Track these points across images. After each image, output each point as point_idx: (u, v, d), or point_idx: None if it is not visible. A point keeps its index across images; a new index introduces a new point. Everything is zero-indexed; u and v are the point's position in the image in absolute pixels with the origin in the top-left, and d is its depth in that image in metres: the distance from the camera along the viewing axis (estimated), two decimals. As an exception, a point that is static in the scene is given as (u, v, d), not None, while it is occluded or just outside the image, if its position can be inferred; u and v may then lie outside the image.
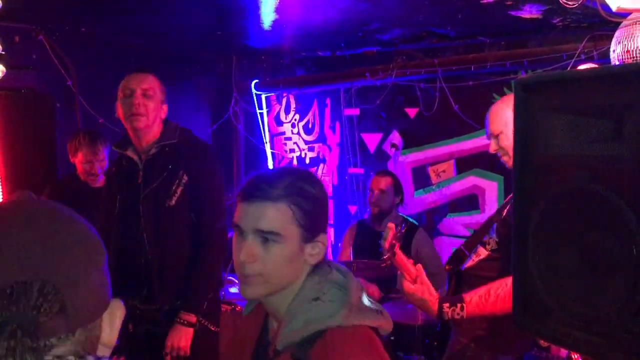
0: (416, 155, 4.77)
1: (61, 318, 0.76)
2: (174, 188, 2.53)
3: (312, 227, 1.24)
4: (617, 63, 2.09)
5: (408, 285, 1.97)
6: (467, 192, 4.51)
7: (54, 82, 4.16)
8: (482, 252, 2.28)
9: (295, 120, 5.57)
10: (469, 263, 2.32)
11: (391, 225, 1.98)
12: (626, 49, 2.01)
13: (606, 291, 0.98)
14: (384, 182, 3.94)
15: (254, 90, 5.52)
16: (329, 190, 5.21)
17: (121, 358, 2.39)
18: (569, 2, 2.47)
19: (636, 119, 0.93)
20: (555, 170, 1.08)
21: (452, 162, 4.57)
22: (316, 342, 1.17)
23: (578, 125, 1.04)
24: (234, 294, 4.01)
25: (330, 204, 4.86)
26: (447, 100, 4.23)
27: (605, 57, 3.14)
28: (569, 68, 3.47)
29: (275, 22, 4.03)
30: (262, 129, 5.70)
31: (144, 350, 2.55)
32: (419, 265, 2.02)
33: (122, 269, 2.45)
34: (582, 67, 2.83)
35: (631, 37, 2.02)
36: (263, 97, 5.63)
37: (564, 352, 2.37)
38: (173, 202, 2.53)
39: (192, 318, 2.49)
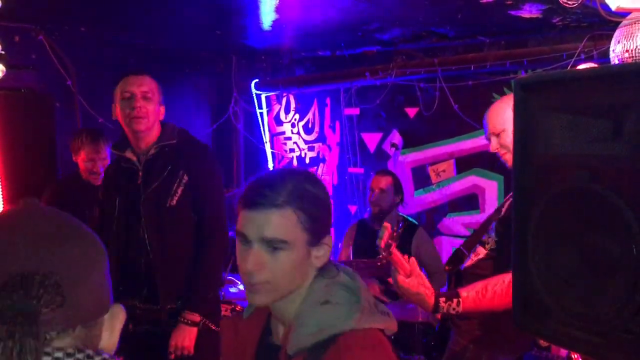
0: (416, 155, 4.77)
1: (61, 312, 0.78)
2: (174, 188, 2.54)
3: (317, 230, 1.23)
4: (616, 63, 2.09)
5: (402, 279, 1.96)
6: (467, 191, 4.51)
7: (53, 81, 4.17)
8: (481, 252, 2.28)
9: (295, 120, 5.57)
10: (468, 262, 2.32)
11: (387, 224, 1.98)
12: (625, 49, 2.01)
13: (606, 291, 0.98)
14: (384, 182, 3.94)
15: (253, 90, 5.52)
16: (329, 190, 5.21)
17: (120, 358, 2.39)
18: (569, 2, 2.47)
19: (636, 119, 0.93)
20: (554, 170, 1.08)
21: (452, 161, 4.57)
22: (329, 347, 1.16)
23: (577, 125, 1.04)
24: (234, 293, 4.01)
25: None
26: (447, 99, 4.23)
27: (605, 56, 3.14)
28: (568, 68, 3.47)
29: (275, 22, 4.03)
30: (262, 128, 5.70)
31: (144, 350, 2.55)
32: (413, 259, 2.01)
33: (122, 269, 2.47)
34: (581, 66, 2.83)
35: (630, 36, 2.01)
36: (263, 96, 5.63)
37: (564, 352, 2.37)
38: (174, 202, 2.54)
39: (196, 317, 2.51)
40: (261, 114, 5.66)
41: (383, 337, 1.23)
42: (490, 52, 4.12)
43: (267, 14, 3.83)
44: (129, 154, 2.62)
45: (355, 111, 5.02)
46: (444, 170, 4.63)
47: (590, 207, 1.00)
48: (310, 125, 5.47)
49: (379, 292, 3.66)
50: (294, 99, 5.49)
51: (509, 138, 2.10)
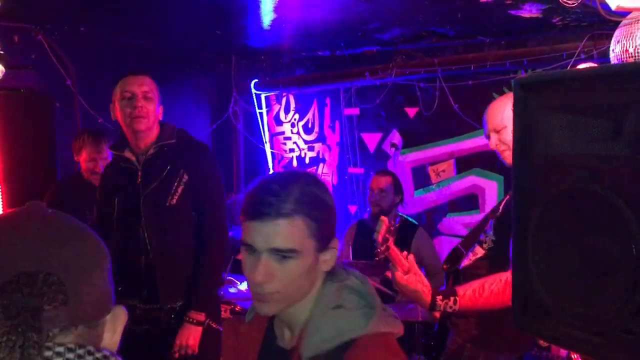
0: (416, 155, 4.77)
1: (64, 310, 0.79)
2: (174, 187, 2.54)
3: (325, 235, 1.21)
4: (616, 62, 2.09)
5: (400, 276, 1.97)
6: (466, 191, 4.51)
7: (53, 81, 4.16)
8: (479, 251, 2.28)
9: (294, 119, 5.57)
10: (466, 262, 2.31)
11: (384, 218, 1.99)
12: (625, 48, 2.01)
13: (606, 291, 0.98)
14: (384, 182, 3.93)
15: (253, 90, 5.52)
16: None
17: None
18: (569, 2, 2.47)
19: (635, 119, 0.93)
20: (554, 169, 1.08)
21: (451, 161, 4.57)
22: (347, 351, 1.15)
23: (577, 125, 1.04)
24: (234, 293, 4.01)
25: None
26: (446, 99, 4.23)
27: (605, 56, 3.14)
28: (568, 67, 3.46)
29: (274, 22, 4.03)
30: (261, 128, 5.70)
31: (144, 350, 2.55)
32: (411, 256, 2.01)
33: (122, 269, 2.46)
34: (581, 66, 2.83)
35: (630, 36, 2.01)
36: (262, 96, 5.63)
37: (564, 352, 2.37)
38: (174, 201, 2.54)
39: (201, 317, 2.52)
40: (261, 114, 5.66)
41: (395, 340, 1.23)
42: (490, 51, 4.12)
43: (267, 14, 3.83)
44: (127, 154, 2.62)
45: (355, 111, 5.01)
46: (443, 170, 4.63)
47: (590, 207, 1.00)
48: (310, 125, 5.47)
49: (378, 282, 3.65)
50: (294, 98, 5.49)
51: (509, 135, 2.09)
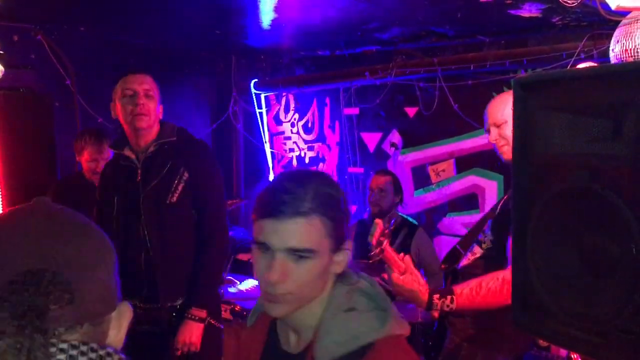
0: (416, 155, 4.77)
1: (69, 309, 0.79)
2: (174, 185, 2.55)
3: (340, 235, 1.18)
4: (616, 62, 2.09)
5: (396, 277, 1.97)
6: (466, 191, 4.51)
7: (52, 81, 4.17)
8: (478, 251, 2.28)
9: (294, 119, 5.57)
10: (465, 262, 2.31)
11: (378, 221, 1.98)
12: (625, 48, 2.01)
13: (605, 291, 0.98)
14: (384, 181, 3.93)
15: (253, 90, 5.52)
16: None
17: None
18: (569, 1, 2.47)
19: (635, 118, 0.93)
20: (554, 169, 1.08)
21: (451, 161, 4.57)
22: (366, 355, 1.13)
23: (577, 124, 1.03)
24: (234, 293, 4.01)
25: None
26: (446, 99, 4.23)
27: (605, 55, 3.14)
28: (568, 67, 3.46)
29: (274, 22, 4.03)
30: (261, 128, 5.70)
31: (144, 350, 2.55)
32: (407, 257, 2.01)
33: (121, 268, 2.45)
34: (581, 65, 2.83)
35: (630, 35, 2.01)
36: (262, 96, 5.63)
37: (563, 351, 2.36)
38: (174, 199, 2.54)
39: (203, 313, 2.52)
40: (260, 113, 5.66)
41: (407, 342, 1.22)
42: (490, 51, 4.12)
43: (267, 14, 3.83)
44: (127, 152, 2.62)
45: (354, 111, 5.01)
46: (443, 170, 4.62)
47: (590, 206, 1.00)
48: (309, 125, 5.47)
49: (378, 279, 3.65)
50: (294, 98, 5.49)
51: (509, 130, 2.09)
